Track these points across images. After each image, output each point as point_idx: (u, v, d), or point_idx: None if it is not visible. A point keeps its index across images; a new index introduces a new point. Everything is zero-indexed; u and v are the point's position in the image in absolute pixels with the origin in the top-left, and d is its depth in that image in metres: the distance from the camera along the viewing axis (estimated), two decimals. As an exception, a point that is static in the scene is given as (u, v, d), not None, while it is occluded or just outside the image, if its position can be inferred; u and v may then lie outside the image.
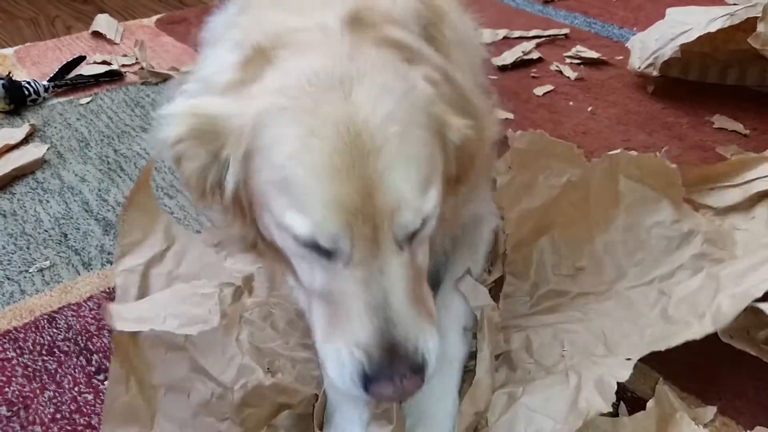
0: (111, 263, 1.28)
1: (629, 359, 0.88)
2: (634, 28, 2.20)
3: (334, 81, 0.77)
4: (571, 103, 1.80)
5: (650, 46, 1.79)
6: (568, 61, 2.02)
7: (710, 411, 0.93)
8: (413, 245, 0.80)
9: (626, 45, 1.94)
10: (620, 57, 2.01)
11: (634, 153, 1.10)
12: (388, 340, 0.74)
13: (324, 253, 0.76)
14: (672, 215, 1.07)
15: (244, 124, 0.79)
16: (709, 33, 1.64)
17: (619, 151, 1.11)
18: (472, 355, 0.97)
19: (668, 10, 1.87)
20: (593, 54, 2.02)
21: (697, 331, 0.89)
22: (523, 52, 2.03)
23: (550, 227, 1.11)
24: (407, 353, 0.74)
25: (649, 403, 0.88)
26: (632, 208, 1.08)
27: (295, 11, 0.90)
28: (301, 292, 0.99)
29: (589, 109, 1.76)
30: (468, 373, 0.95)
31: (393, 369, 0.74)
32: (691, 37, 1.66)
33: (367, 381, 0.75)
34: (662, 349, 0.89)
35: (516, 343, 0.98)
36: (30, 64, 2.10)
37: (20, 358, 1.09)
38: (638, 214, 1.08)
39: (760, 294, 0.90)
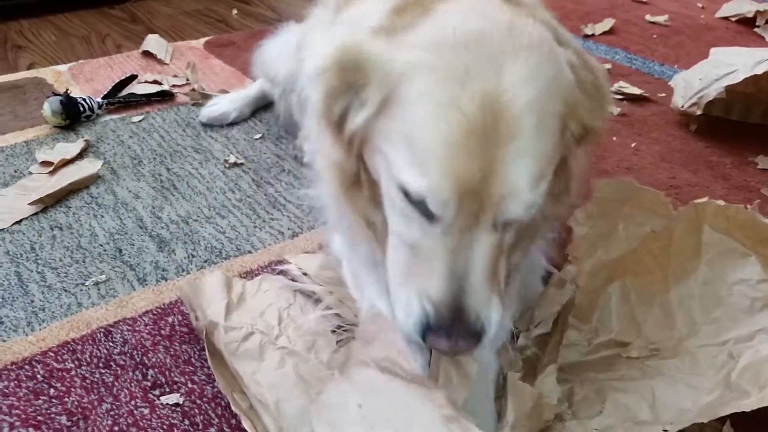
0: (165, 279, 1.32)
1: (666, 430, 0.86)
2: (675, 65, 2.22)
3: (491, 51, 0.78)
4: (614, 138, 1.81)
5: (694, 85, 1.80)
6: (610, 96, 2.04)
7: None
8: (508, 227, 0.84)
9: (668, 83, 1.95)
10: (662, 94, 2.03)
11: (721, 202, 1.02)
12: (457, 304, 0.81)
13: (426, 213, 0.81)
14: (760, 274, 0.97)
15: (391, 71, 0.81)
16: (754, 74, 1.66)
17: (705, 199, 1.04)
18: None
19: (712, 50, 1.89)
20: (636, 90, 2.04)
21: (752, 402, 0.85)
22: (565, 85, 2.04)
23: (623, 275, 1.05)
24: (470, 319, 0.81)
25: None
26: (714, 261, 1.00)
27: None
28: (353, 252, 1.11)
29: (633, 145, 1.78)
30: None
31: (453, 328, 0.81)
32: (736, 78, 1.68)
33: (427, 331, 0.83)
34: (705, 420, 0.86)
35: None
36: (83, 80, 2.17)
37: (78, 369, 1.12)
38: (721, 267, 1.00)
39: None
